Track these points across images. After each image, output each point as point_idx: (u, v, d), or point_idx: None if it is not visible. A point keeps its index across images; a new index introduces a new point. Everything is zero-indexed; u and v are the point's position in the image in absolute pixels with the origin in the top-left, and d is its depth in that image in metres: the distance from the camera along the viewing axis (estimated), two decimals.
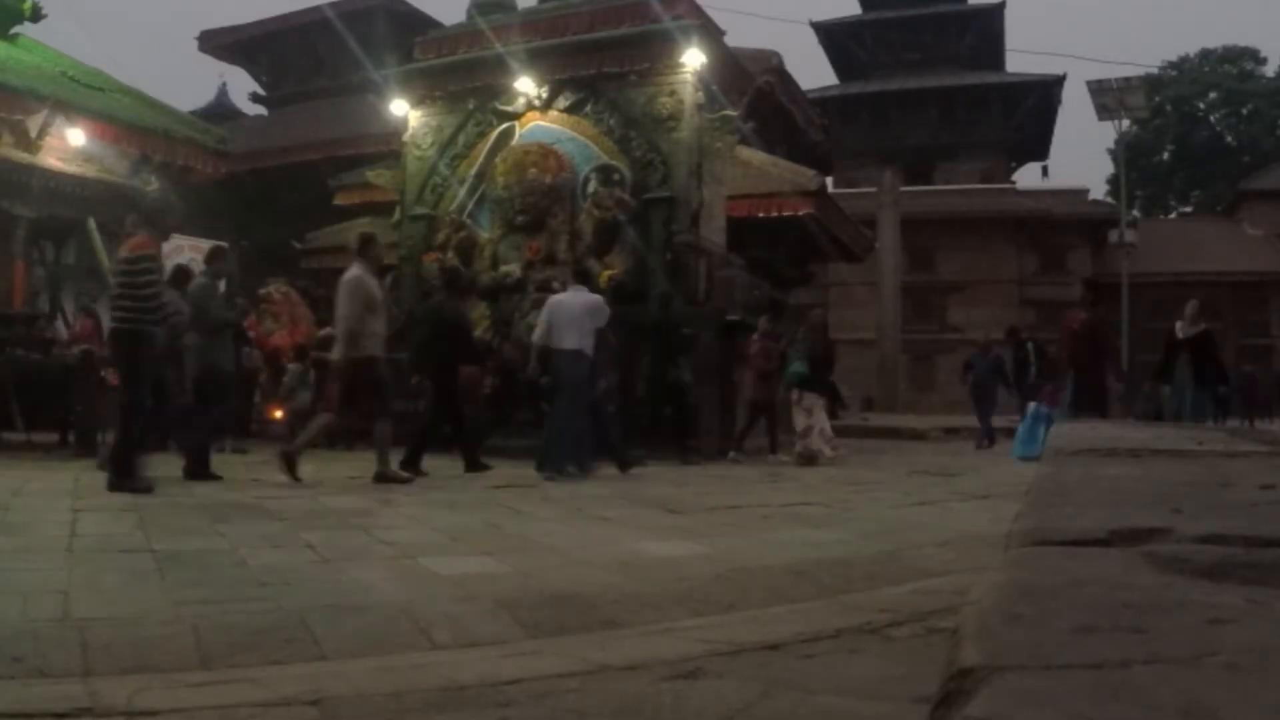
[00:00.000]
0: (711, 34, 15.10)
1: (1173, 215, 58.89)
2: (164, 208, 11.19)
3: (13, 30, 18.78)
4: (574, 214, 14.75)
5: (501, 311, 14.93)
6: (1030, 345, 17.27)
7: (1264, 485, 2.35)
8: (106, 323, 10.42)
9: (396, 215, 16.77)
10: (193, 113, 25.76)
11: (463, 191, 15.86)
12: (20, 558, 5.12)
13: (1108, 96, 33.51)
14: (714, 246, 15.11)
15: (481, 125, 15.90)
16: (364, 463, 11.08)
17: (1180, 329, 14.25)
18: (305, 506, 7.58)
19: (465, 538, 6.23)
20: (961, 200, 40.98)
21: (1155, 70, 54.23)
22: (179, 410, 10.24)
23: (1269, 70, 59.76)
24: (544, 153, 14.98)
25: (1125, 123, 36.03)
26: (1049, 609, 1.22)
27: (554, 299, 11.37)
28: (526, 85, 15.23)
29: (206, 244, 16.54)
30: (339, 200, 21.31)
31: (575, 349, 10.69)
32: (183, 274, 11.00)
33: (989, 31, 45.91)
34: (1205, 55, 60.89)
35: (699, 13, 15.31)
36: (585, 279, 11.82)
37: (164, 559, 5.16)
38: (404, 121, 16.73)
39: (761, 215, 18.19)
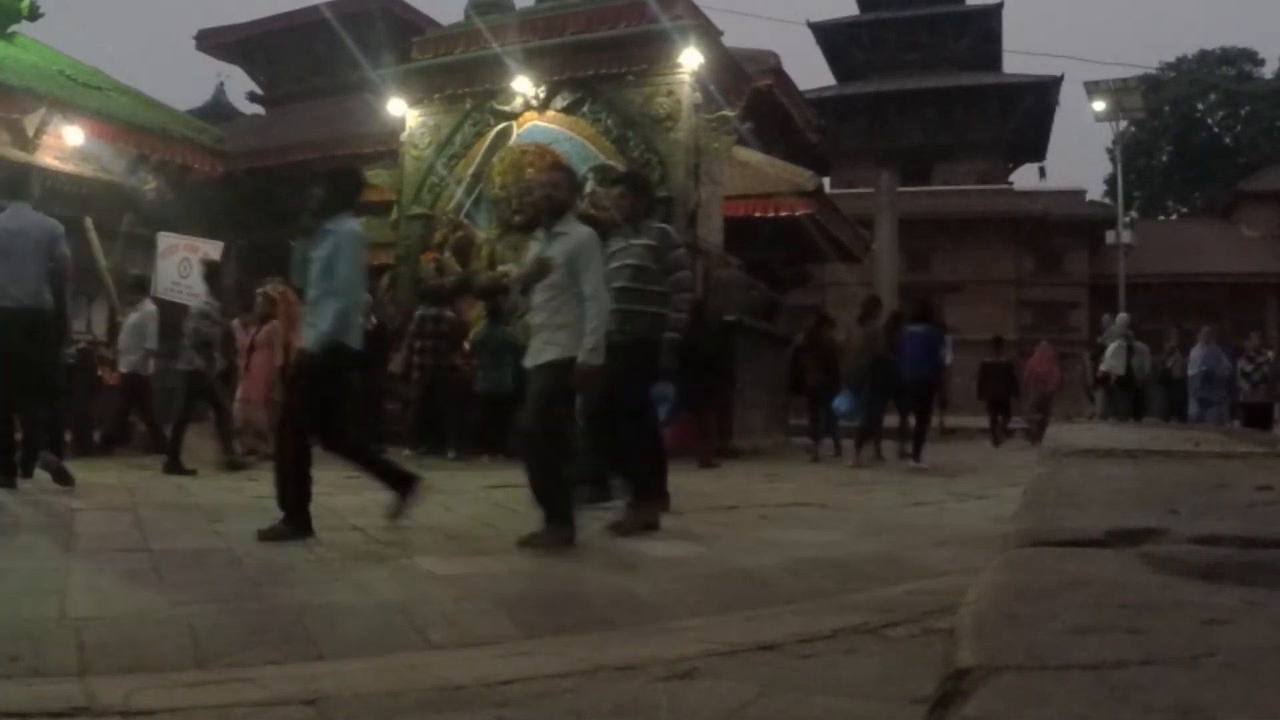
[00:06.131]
0: (709, 34, 15.10)
1: (1170, 216, 58.89)
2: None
3: (10, 29, 18.76)
4: None
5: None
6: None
7: (1261, 486, 2.35)
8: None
9: (394, 215, 16.77)
10: (190, 112, 25.73)
11: (460, 191, 15.87)
12: (17, 556, 5.11)
13: (1105, 97, 33.52)
14: (711, 247, 15.11)
15: (479, 125, 15.91)
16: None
17: None
18: None
19: (462, 538, 6.23)
20: (959, 201, 40.98)
21: (1153, 71, 54.31)
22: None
23: (1267, 72, 59.80)
24: (541, 152, 14.97)
25: (1123, 124, 36.03)
26: (1045, 609, 1.22)
27: None
28: (524, 85, 15.23)
29: (202, 243, 16.54)
30: None
31: None
32: None
33: (987, 32, 45.93)
34: (1203, 57, 60.87)
35: (696, 13, 15.31)
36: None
37: (161, 558, 5.15)
38: (401, 121, 16.73)
39: (759, 215, 18.21)
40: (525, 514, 7.49)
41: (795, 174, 18.86)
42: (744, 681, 3.10)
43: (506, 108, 15.60)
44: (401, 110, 16.62)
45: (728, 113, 15.65)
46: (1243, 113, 59.14)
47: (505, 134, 15.63)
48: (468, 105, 16.00)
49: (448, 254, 15.52)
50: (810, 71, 43.23)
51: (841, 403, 13.41)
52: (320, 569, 5.07)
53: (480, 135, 15.87)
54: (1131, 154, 50.27)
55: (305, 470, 5.98)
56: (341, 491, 8.74)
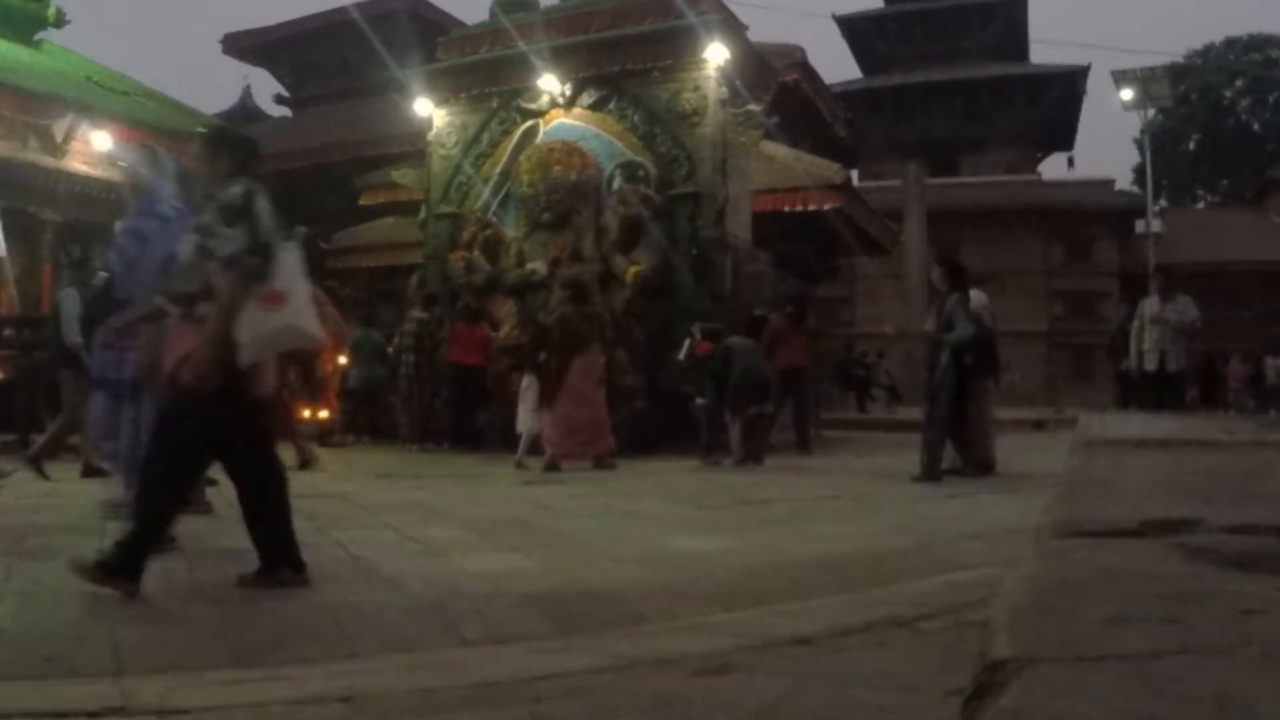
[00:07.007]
0: (734, 29, 15.07)
1: (1199, 205, 58.45)
2: None
3: (37, 36, 18.92)
4: (599, 211, 14.73)
5: (527, 309, 14.94)
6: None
7: None
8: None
9: (422, 214, 16.83)
10: (217, 115, 25.99)
11: (487, 190, 15.89)
12: (52, 558, 5.15)
13: (1133, 86, 33.30)
14: (740, 242, 15.08)
15: (505, 123, 15.92)
16: (392, 459, 11.14)
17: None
18: (334, 505, 7.61)
19: (494, 534, 6.25)
20: (987, 192, 40.80)
21: (1180, 59, 53.92)
22: None
23: None
24: (568, 150, 14.98)
25: (1151, 112, 35.78)
26: (1081, 601, 1.21)
27: None
28: (550, 83, 15.23)
29: None
30: (364, 200, 21.39)
31: None
32: None
33: (1012, 22, 45.74)
34: (1230, 44, 60.38)
35: (721, 8, 15.28)
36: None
37: (193, 557, 5.19)
38: (428, 121, 16.77)
39: (787, 210, 18.16)
40: (558, 509, 7.51)
41: (823, 168, 18.79)
42: (778, 675, 3.09)
43: (533, 106, 15.61)
44: (428, 110, 16.66)
45: (754, 107, 15.61)
46: (1270, 99, 58.63)
47: (532, 132, 15.64)
48: (494, 104, 16.03)
49: (476, 252, 15.54)
50: (836, 65, 43.12)
51: None
52: (352, 567, 5.10)
53: (507, 134, 15.88)
54: (1159, 142, 49.89)
55: None
56: (372, 490, 8.79)
